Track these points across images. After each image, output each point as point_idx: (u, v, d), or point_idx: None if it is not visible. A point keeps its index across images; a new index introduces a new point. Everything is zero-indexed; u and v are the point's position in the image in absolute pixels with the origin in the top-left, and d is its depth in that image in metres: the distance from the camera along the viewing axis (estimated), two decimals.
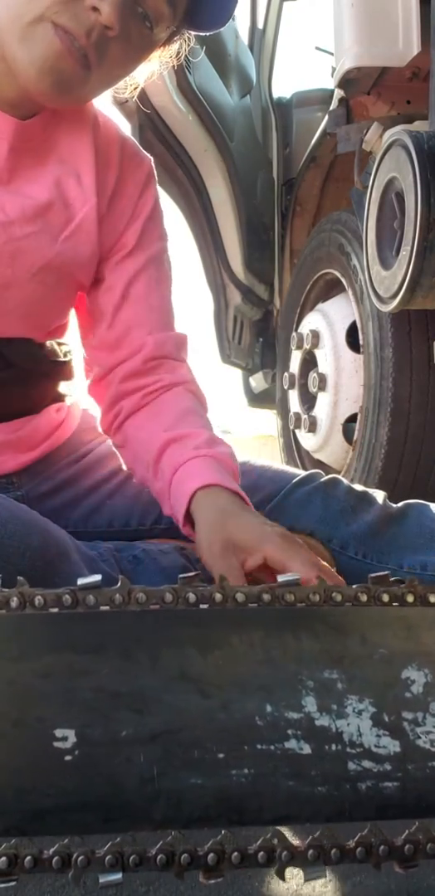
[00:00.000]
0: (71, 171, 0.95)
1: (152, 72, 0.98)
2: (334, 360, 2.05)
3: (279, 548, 0.75)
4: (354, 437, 1.97)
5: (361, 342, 1.93)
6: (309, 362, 2.22)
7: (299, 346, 2.26)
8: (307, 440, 2.21)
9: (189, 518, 0.85)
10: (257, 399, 3.20)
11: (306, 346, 2.20)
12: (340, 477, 1.05)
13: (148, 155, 1.05)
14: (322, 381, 2.07)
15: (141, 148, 1.05)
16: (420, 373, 1.80)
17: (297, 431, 2.29)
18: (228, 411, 4.12)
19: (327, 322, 2.10)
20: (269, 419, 3.56)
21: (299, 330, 2.28)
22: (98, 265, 1.00)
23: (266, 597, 0.51)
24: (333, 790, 0.49)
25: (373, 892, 0.51)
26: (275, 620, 0.50)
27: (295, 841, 0.49)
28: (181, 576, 0.52)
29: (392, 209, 1.51)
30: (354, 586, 0.52)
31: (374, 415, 1.85)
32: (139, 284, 0.99)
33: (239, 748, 0.48)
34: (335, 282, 2.15)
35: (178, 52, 0.97)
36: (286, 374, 2.37)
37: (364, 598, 0.52)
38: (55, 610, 0.49)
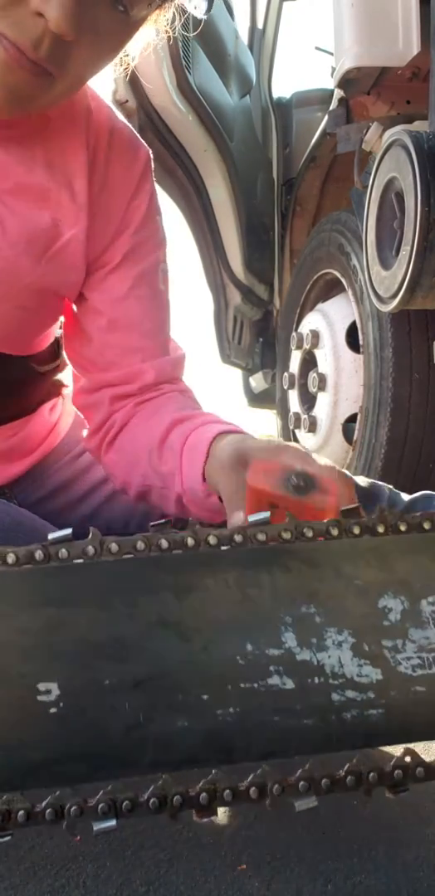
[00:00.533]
0: (62, 180, 0.83)
1: (148, 42, 0.83)
2: (334, 360, 2.05)
3: (296, 456, 0.68)
4: (354, 437, 1.97)
5: (360, 342, 1.93)
6: (309, 362, 2.22)
7: (299, 346, 2.26)
8: (307, 440, 2.21)
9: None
10: (257, 399, 3.20)
11: (306, 346, 2.20)
12: (345, 471, 1.04)
13: (143, 146, 0.92)
14: (322, 381, 2.07)
15: (136, 137, 0.92)
16: (420, 373, 1.79)
17: (297, 431, 2.29)
18: (228, 411, 4.12)
19: (327, 322, 2.10)
20: (269, 419, 3.56)
21: (299, 330, 2.28)
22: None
23: (238, 538, 0.51)
24: (318, 722, 0.49)
25: (373, 891, 0.51)
26: (248, 560, 0.51)
27: (285, 774, 0.49)
28: (152, 523, 0.52)
29: (392, 209, 1.51)
30: (325, 521, 0.52)
31: (374, 415, 1.85)
32: (130, 307, 0.88)
33: (223, 688, 0.49)
34: (335, 282, 2.15)
35: (174, 22, 0.81)
36: (286, 374, 2.37)
37: (335, 531, 0.52)
38: (29, 566, 0.49)
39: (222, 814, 0.60)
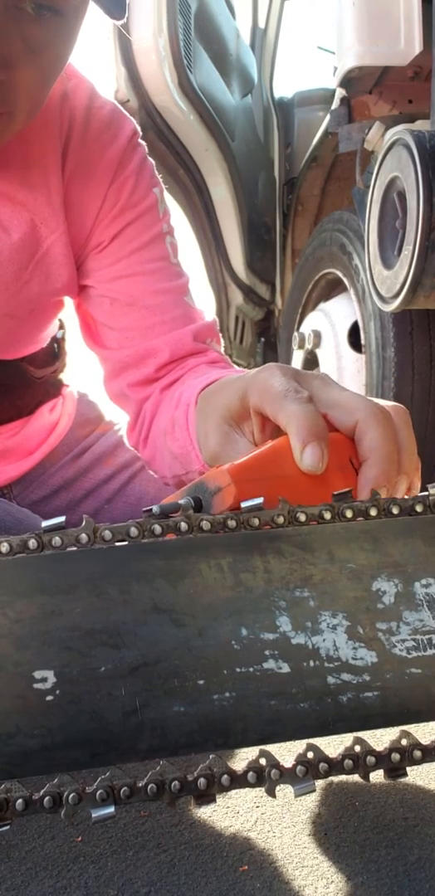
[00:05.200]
0: (39, 180, 0.79)
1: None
2: (336, 359, 2.05)
3: (262, 398, 0.59)
4: None
5: (362, 342, 1.93)
6: (311, 362, 2.22)
7: (301, 346, 2.26)
8: None
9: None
10: None
11: (308, 345, 2.20)
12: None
13: (128, 122, 0.86)
14: None
15: (118, 114, 0.85)
16: (422, 372, 1.79)
17: None
18: None
19: (329, 322, 2.10)
20: None
21: (301, 330, 2.28)
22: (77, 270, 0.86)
23: (231, 523, 0.51)
24: (314, 705, 0.50)
25: (375, 893, 0.51)
26: (242, 545, 0.50)
27: (282, 759, 0.50)
28: (144, 509, 0.52)
29: (394, 208, 1.51)
30: (317, 505, 0.52)
31: None
32: (129, 284, 0.84)
33: (218, 673, 0.49)
34: (337, 281, 2.15)
35: None
36: None
37: (328, 515, 0.52)
38: (23, 555, 0.49)
39: (223, 815, 0.59)
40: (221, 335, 0.90)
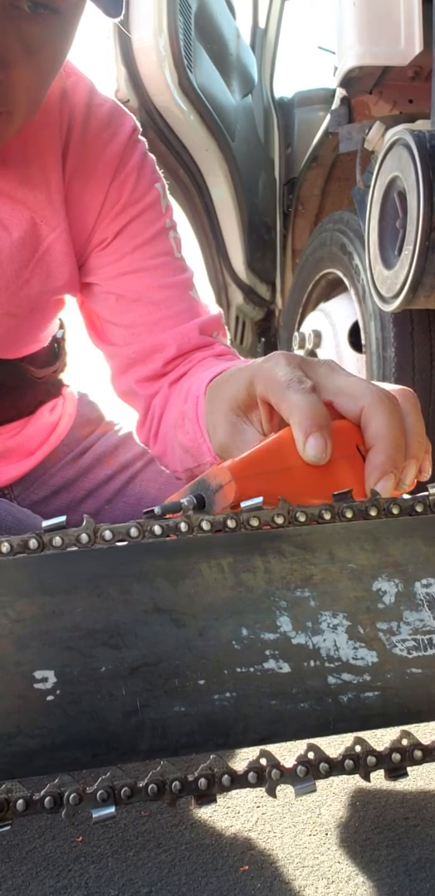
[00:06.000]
0: (39, 178, 0.79)
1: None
2: (336, 359, 2.04)
3: (267, 387, 0.59)
4: None
5: (363, 342, 1.93)
6: None
7: (301, 346, 2.26)
8: None
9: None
10: None
11: (308, 346, 2.20)
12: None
13: (127, 119, 0.86)
14: None
15: (117, 112, 0.85)
16: (422, 372, 1.79)
17: None
18: None
19: (329, 322, 2.10)
20: None
21: (301, 330, 2.28)
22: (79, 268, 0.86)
23: (231, 523, 0.51)
24: (315, 705, 0.50)
25: (375, 893, 0.51)
26: (242, 545, 0.51)
27: (283, 759, 0.50)
28: (145, 510, 0.52)
29: (394, 208, 1.51)
30: (317, 505, 0.52)
31: None
32: (134, 280, 0.84)
33: (219, 673, 0.49)
34: (337, 281, 2.14)
35: None
36: None
37: (328, 515, 0.52)
38: (24, 555, 0.49)
39: (224, 815, 0.59)
40: (227, 328, 0.90)
